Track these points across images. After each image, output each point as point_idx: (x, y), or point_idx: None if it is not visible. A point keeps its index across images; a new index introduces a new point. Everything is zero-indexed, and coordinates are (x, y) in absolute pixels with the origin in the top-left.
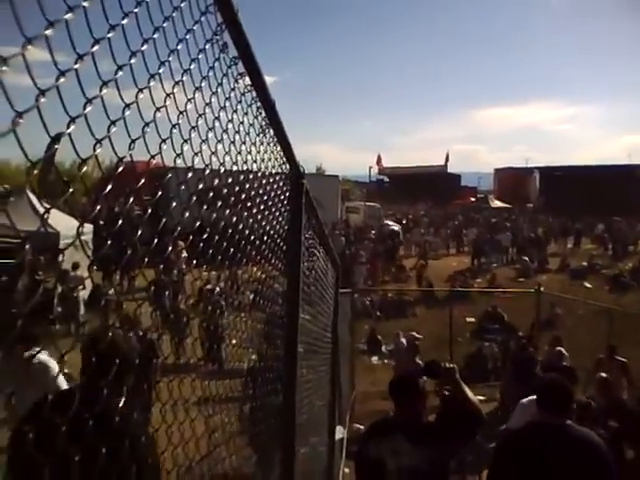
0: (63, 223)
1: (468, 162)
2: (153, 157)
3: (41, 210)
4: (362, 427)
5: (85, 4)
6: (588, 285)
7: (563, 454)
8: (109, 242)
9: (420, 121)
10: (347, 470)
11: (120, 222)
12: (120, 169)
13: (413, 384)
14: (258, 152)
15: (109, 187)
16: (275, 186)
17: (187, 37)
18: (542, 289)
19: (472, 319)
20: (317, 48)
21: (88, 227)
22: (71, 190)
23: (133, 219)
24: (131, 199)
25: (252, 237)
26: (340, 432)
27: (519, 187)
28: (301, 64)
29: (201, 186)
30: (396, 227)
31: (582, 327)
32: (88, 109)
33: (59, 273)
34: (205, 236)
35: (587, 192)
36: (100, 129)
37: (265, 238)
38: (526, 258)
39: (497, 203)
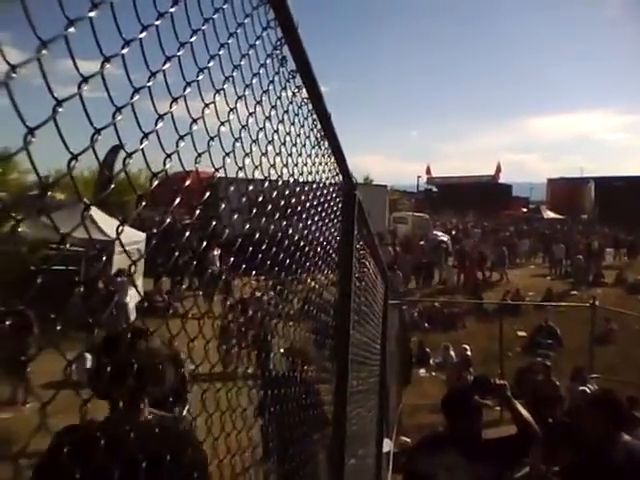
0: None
1: (519, 172)
2: (217, 170)
3: (98, 219)
4: (409, 440)
5: (157, 23)
6: None
7: None
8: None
9: (469, 130)
10: None
11: (181, 232)
12: (187, 181)
13: (467, 399)
14: (313, 164)
15: (177, 200)
16: (329, 197)
17: (249, 52)
18: (597, 303)
19: (523, 333)
20: (364, 59)
21: (141, 235)
22: (144, 204)
23: (192, 229)
24: (197, 211)
25: (305, 247)
26: (388, 445)
27: (573, 198)
28: (348, 74)
29: (260, 198)
30: (445, 238)
31: (638, 343)
32: (160, 125)
33: (110, 280)
34: (262, 246)
35: None
36: (167, 143)
37: (318, 248)
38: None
39: (550, 214)
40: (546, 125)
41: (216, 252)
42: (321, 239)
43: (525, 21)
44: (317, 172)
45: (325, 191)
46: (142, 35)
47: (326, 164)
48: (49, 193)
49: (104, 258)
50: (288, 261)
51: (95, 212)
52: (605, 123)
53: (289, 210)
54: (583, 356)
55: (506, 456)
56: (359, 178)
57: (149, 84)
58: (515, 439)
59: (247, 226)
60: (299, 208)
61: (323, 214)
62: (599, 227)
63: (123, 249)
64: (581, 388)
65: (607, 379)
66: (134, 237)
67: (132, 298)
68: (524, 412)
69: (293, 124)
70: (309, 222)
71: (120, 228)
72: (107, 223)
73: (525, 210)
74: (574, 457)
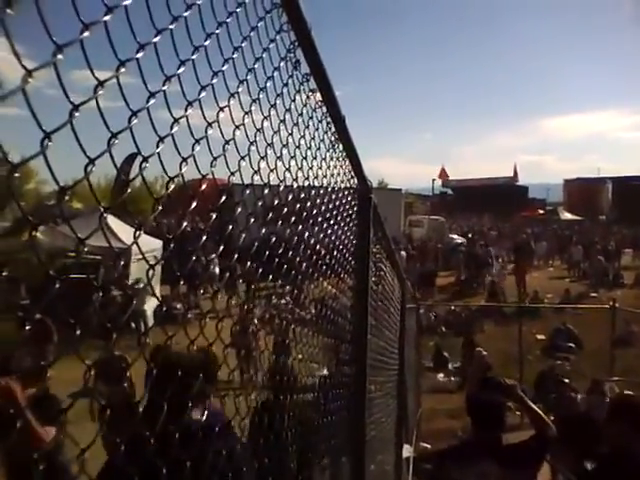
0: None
1: (535, 173)
2: (233, 174)
3: (114, 227)
4: (429, 446)
5: (171, 27)
6: None
7: None
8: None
9: (484, 132)
10: None
11: (194, 238)
12: (202, 186)
13: (500, 408)
14: (328, 167)
15: (193, 204)
16: (344, 200)
17: (263, 55)
18: (617, 305)
19: (542, 336)
20: (377, 62)
21: (157, 242)
22: (160, 208)
23: (204, 235)
24: (213, 216)
25: (321, 251)
26: (407, 450)
27: (591, 198)
28: (362, 78)
29: (276, 202)
30: (461, 240)
31: None
32: (175, 129)
33: (127, 287)
34: (279, 250)
35: None
36: (183, 148)
37: (334, 252)
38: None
39: (567, 215)
40: (561, 125)
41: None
42: (337, 243)
43: (538, 22)
44: (332, 175)
45: (340, 194)
46: (156, 39)
47: (341, 167)
48: (66, 199)
49: (121, 265)
50: (304, 265)
51: (112, 220)
52: (620, 122)
53: (304, 214)
54: (603, 358)
55: (531, 459)
56: (374, 182)
57: (164, 88)
58: (534, 440)
59: (262, 231)
60: (314, 212)
61: (339, 218)
62: (617, 227)
63: (142, 255)
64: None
65: (628, 381)
66: (151, 244)
67: (150, 305)
68: (540, 412)
69: (307, 127)
70: (325, 226)
71: (137, 233)
72: (124, 231)
73: (542, 212)
74: (582, 462)
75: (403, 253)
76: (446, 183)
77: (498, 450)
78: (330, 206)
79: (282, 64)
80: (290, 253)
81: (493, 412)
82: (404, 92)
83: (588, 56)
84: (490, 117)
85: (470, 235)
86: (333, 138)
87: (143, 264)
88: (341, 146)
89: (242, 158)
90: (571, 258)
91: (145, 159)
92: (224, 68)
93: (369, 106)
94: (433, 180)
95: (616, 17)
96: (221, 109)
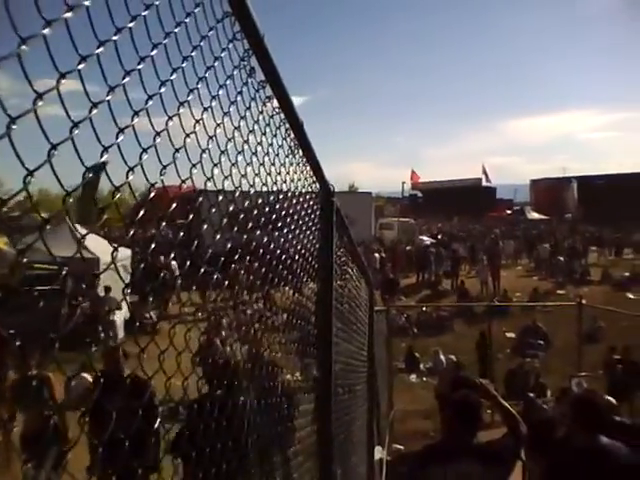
0: (102, 249)
1: (504, 174)
2: (184, 182)
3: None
4: (402, 447)
5: (115, 38)
6: (632, 296)
7: None
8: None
9: (453, 134)
10: None
11: (155, 246)
12: (152, 194)
13: (478, 406)
14: (287, 173)
15: (142, 212)
16: (305, 205)
17: (215, 64)
18: (584, 301)
19: (512, 334)
20: (347, 66)
21: (126, 252)
22: (105, 216)
23: (167, 243)
24: (164, 223)
25: (283, 257)
26: (379, 452)
27: (557, 198)
28: (333, 82)
29: (231, 208)
30: (431, 242)
31: (626, 340)
32: (120, 138)
33: (96, 297)
34: (236, 258)
35: (627, 200)
36: (132, 158)
37: (296, 257)
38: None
39: (534, 215)
40: (529, 127)
41: (174, 262)
42: (299, 247)
43: (505, 23)
44: (292, 180)
45: (302, 199)
46: (99, 50)
47: (302, 172)
48: (5, 210)
49: (90, 275)
50: (264, 272)
51: (79, 229)
52: (587, 122)
53: (263, 220)
54: (571, 355)
55: (508, 456)
56: (345, 186)
57: (108, 97)
58: (508, 438)
59: (217, 237)
60: (273, 217)
61: (300, 222)
62: (583, 226)
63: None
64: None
65: (596, 377)
66: (119, 254)
67: (119, 315)
68: (512, 410)
69: (264, 134)
70: (285, 231)
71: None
72: (91, 240)
73: (509, 212)
74: (552, 458)
75: (377, 255)
76: (415, 186)
77: (477, 448)
78: (291, 211)
79: (235, 72)
80: (248, 260)
81: (471, 410)
82: (376, 95)
83: (555, 58)
84: (458, 119)
85: (440, 236)
86: (292, 144)
87: (112, 274)
88: (301, 151)
89: (194, 166)
90: (538, 256)
91: (96, 170)
92: (172, 77)
93: (342, 110)
94: (403, 183)
95: (583, 17)
96: (170, 118)
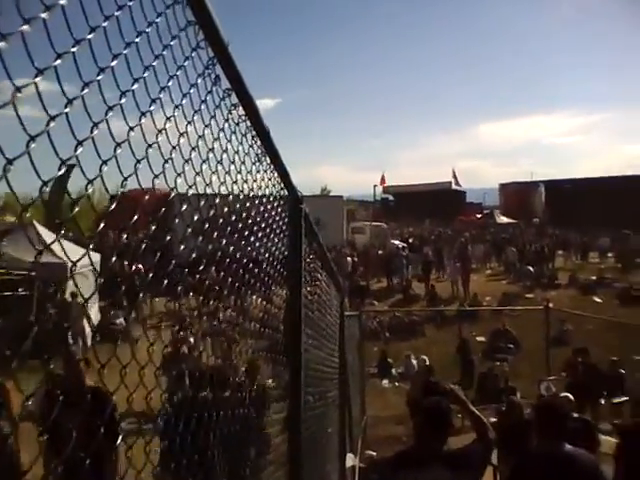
0: (71, 253)
1: (473, 178)
2: (146, 193)
3: (48, 241)
4: (374, 453)
5: (74, 50)
6: (598, 300)
7: None
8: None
9: (423, 138)
10: None
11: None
12: (118, 201)
13: (448, 413)
14: (254, 180)
15: (102, 223)
16: (273, 212)
17: (178, 73)
18: (550, 305)
19: (482, 338)
20: (320, 69)
21: (95, 257)
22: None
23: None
24: (132, 228)
25: (249, 265)
26: (351, 459)
27: (525, 202)
28: (305, 85)
29: (196, 217)
30: (402, 246)
31: (593, 343)
32: (79, 150)
33: (63, 303)
34: (202, 265)
35: (593, 204)
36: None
37: (264, 265)
38: (531, 269)
39: (503, 219)
40: (497, 131)
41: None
42: (267, 255)
43: (475, 26)
44: (260, 188)
45: (269, 206)
46: (57, 62)
47: (269, 179)
48: None
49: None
50: (230, 280)
51: (46, 234)
52: (555, 127)
53: (229, 227)
54: (540, 358)
55: (477, 462)
56: (317, 189)
57: (66, 110)
58: (478, 444)
59: (181, 248)
60: (239, 225)
61: (267, 230)
62: (551, 230)
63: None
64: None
65: (564, 380)
66: (88, 259)
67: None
68: (481, 416)
69: (230, 142)
70: (252, 239)
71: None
72: (59, 245)
73: (479, 216)
74: (515, 463)
75: (349, 259)
76: (387, 189)
77: (447, 455)
78: (258, 219)
79: (200, 80)
80: (213, 268)
81: (441, 417)
82: (348, 98)
83: (523, 62)
84: (427, 123)
85: (411, 240)
86: (259, 151)
87: (80, 278)
88: (268, 159)
89: (156, 177)
90: (507, 260)
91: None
92: (134, 87)
93: (314, 113)
94: (374, 186)
95: (549, 23)
96: (131, 128)
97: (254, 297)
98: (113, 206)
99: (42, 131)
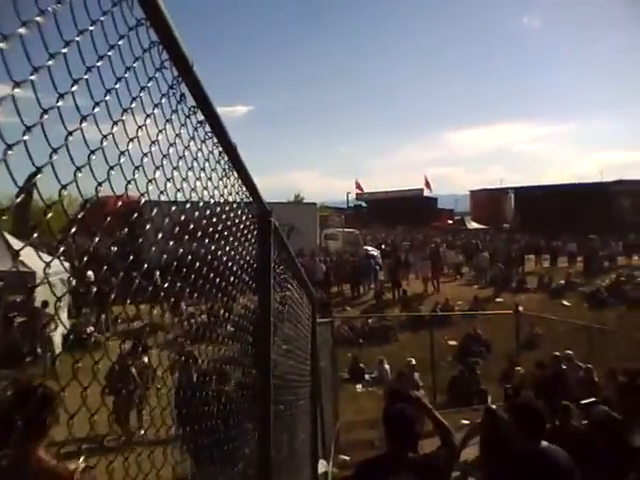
0: (40, 262)
1: (444, 184)
2: (108, 215)
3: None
4: (347, 458)
5: (32, 78)
6: (567, 303)
7: None
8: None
9: (395, 145)
10: None
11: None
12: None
13: (412, 420)
14: (222, 195)
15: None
16: (242, 226)
17: (141, 94)
18: (521, 309)
19: (454, 342)
20: (293, 75)
21: (65, 264)
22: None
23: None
24: (99, 235)
25: (217, 280)
26: (323, 466)
27: (495, 208)
28: (278, 91)
29: (160, 235)
30: (375, 252)
31: (562, 346)
32: (39, 176)
33: (31, 312)
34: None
35: (561, 210)
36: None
37: (232, 278)
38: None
39: (474, 224)
40: (467, 138)
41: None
42: (235, 268)
43: (445, 35)
44: (227, 202)
45: (237, 220)
46: (15, 91)
47: (237, 194)
48: None
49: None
50: (197, 292)
51: (14, 242)
52: (523, 134)
53: (195, 243)
54: (510, 361)
55: (443, 467)
56: (290, 196)
57: (25, 138)
58: (442, 449)
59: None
60: (206, 241)
61: (236, 243)
62: (520, 235)
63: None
64: None
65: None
66: (58, 267)
67: (58, 331)
68: (444, 422)
69: (196, 159)
70: (219, 254)
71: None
72: (27, 253)
73: (451, 222)
74: (496, 462)
75: (323, 266)
76: (360, 196)
77: (412, 461)
78: (226, 233)
79: (164, 100)
80: (181, 279)
81: (404, 424)
82: (321, 105)
83: (493, 70)
84: (399, 131)
85: (384, 246)
86: (227, 167)
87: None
88: (236, 173)
89: (118, 198)
90: (478, 265)
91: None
92: (95, 111)
93: (287, 119)
94: (348, 193)
95: (521, 32)
96: (92, 152)
97: (221, 311)
98: (82, 213)
99: (18, 141)
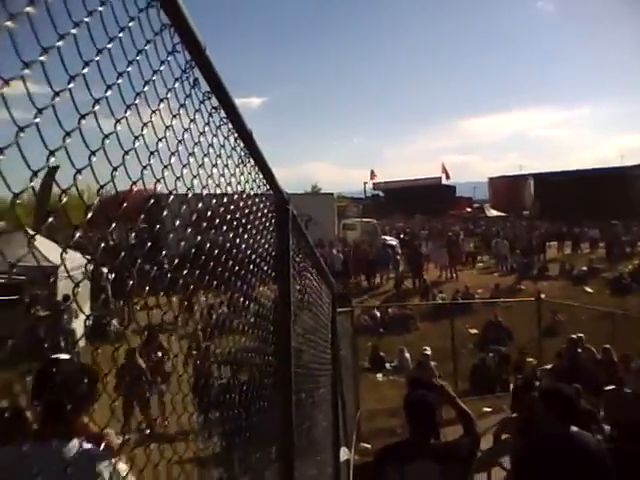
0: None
1: (462, 172)
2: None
3: (39, 245)
4: (369, 446)
5: (42, 58)
6: (589, 290)
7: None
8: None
9: (412, 134)
10: None
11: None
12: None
13: (432, 407)
14: (239, 183)
15: (90, 216)
16: (260, 214)
17: (154, 78)
18: (542, 296)
19: (475, 330)
20: (306, 66)
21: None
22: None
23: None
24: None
25: (236, 268)
26: (345, 454)
27: (514, 195)
28: (291, 82)
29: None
30: (394, 242)
31: (585, 333)
32: (52, 160)
33: (54, 305)
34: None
35: (582, 196)
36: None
37: (251, 266)
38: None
39: (493, 212)
40: (482, 126)
41: (105, 269)
42: (254, 257)
43: (460, 24)
44: (243, 191)
45: (255, 208)
46: (26, 71)
47: (254, 181)
48: None
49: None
50: (216, 281)
51: (36, 237)
52: (540, 120)
53: (214, 232)
54: (532, 349)
55: (465, 455)
56: (307, 187)
57: (37, 120)
58: (465, 438)
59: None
60: (224, 228)
61: (254, 231)
62: (540, 222)
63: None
64: None
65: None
66: (79, 260)
67: (79, 323)
68: (467, 410)
69: (212, 145)
70: (237, 241)
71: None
72: (49, 248)
73: (469, 210)
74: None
75: (341, 256)
76: (376, 186)
77: (434, 448)
78: (244, 221)
79: (177, 85)
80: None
81: (424, 412)
82: (335, 95)
83: (508, 58)
84: (414, 120)
85: (402, 236)
86: (243, 153)
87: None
88: (252, 160)
89: (134, 183)
90: (499, 253)
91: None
92: (107, 94)
93: (302, 110)
94: (365, 183)
95: (538, 17)
96: (106, 136)
97: (242, 300)
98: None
99: (11, 143)
